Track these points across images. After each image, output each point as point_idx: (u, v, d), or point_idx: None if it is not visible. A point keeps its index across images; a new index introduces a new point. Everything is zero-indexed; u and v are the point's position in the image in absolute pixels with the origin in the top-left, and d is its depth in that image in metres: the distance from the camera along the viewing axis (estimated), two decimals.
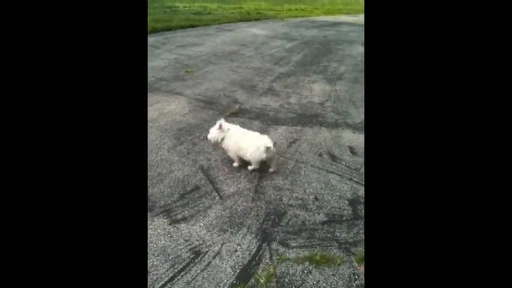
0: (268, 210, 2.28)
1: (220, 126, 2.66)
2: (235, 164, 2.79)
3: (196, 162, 2.82)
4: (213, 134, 2.70)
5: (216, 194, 2.43)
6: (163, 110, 3.83)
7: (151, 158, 2.86)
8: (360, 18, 13.62)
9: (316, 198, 2.42)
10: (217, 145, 2.82)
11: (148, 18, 9.95)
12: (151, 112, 3.76)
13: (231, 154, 2.76)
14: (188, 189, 2.48)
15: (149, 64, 5.61)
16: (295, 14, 13.94)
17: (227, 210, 2.27)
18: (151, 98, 4.18)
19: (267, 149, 2.49)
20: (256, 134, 2.66)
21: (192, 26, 9.64)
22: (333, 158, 3.00)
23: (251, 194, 2.45)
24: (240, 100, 4.23)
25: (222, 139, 2.69)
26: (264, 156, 2.52)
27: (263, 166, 2.70)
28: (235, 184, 2.55)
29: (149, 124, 3.46)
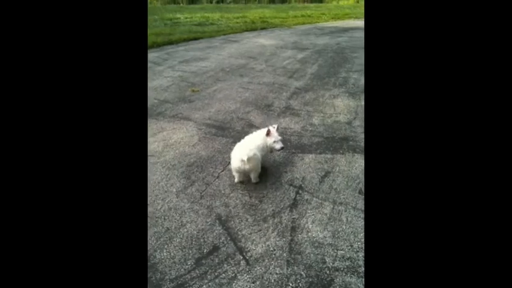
0: (310, 279, 1.75)
1: (268, 132, 2.62)
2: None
3: (211, 210, 2.30)
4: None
5: (241, 257, 1.90)
6: (169, 141, 3.32)
7: (157, 207, 2.34)
8: None
9: None
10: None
11: (149, 31, 9.58)
12: (155, 144, 3.25)
13: None
14: (205, 250, 1.96)
15: (151, 84, 5.14)
16: (302, 20, 13.47)
17: (257, 282, 1.74)
18: (154, 125, 3.68)
19: (241, 161, 2.42)
20: (244, 143, 2.57)
21: (195, 39, 9.22)
22: None
23: (285, 254, 1.92)
24: (256, 123, 3.72)
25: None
26: (237, 166, 2.46)
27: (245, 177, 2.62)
28: (263, 240, 2.02)
29: (153, 159, 2.95)
